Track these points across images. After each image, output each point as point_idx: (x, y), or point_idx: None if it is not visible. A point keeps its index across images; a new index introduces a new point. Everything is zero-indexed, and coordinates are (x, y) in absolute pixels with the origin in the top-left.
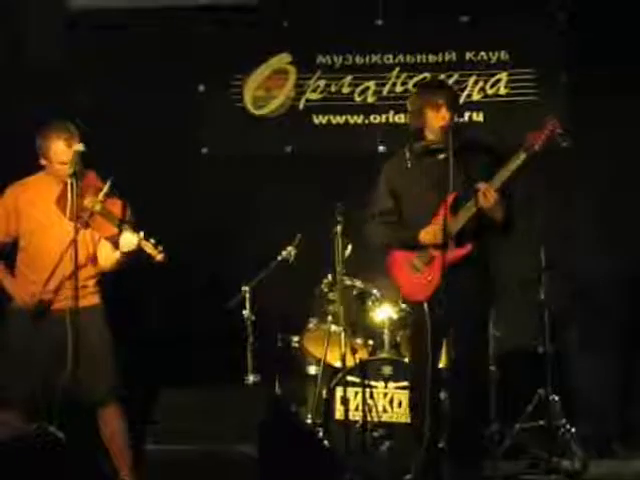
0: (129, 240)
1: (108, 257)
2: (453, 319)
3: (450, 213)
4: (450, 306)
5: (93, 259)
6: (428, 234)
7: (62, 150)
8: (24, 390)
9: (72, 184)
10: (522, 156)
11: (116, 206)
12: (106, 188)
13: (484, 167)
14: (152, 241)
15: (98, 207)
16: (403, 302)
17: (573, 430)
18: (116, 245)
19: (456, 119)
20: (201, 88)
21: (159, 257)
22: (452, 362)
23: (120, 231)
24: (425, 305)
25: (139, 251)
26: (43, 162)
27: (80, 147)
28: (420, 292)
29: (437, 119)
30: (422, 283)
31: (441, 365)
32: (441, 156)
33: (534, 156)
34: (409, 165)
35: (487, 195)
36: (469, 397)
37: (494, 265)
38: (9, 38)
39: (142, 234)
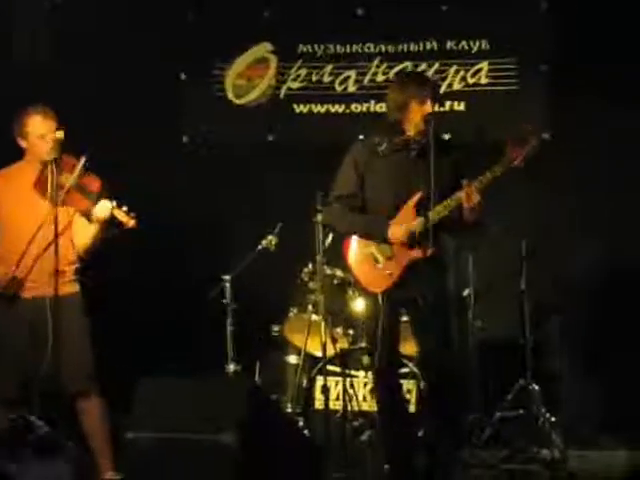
0: (103, 207)
1: (84, 233)
2: (416, 313)
3: (414, 212)
4: (408, 300)
5: (69, 239)
6: (398, 231)
7: (39, 123)
8: (7, 380)
9: (52, 169)
10: (501, 169)
11: (90, 181)
12: (81, 164)
13: (452, 168)
14: (124, 208)
15: (73, 182)
16: (354, 290)
17: (553, 419)
18: (90, 219)
19: (436, 109)
20: (182, 76)
21: (131, 223)
22: (421, 357)
23: (94, 201)
24: (379, 297)
25: (112, 218)
26: (21, 143)
27: (60, 134)
28: (377, 284)
29: (420, 113)
30: (381, 275)
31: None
32: (413, 153)
33: (512, 169)
34: (381, 155)
35: (470, 194)
36: (444, 388)
37: (478, 257)
38: None
39: (115, 202)
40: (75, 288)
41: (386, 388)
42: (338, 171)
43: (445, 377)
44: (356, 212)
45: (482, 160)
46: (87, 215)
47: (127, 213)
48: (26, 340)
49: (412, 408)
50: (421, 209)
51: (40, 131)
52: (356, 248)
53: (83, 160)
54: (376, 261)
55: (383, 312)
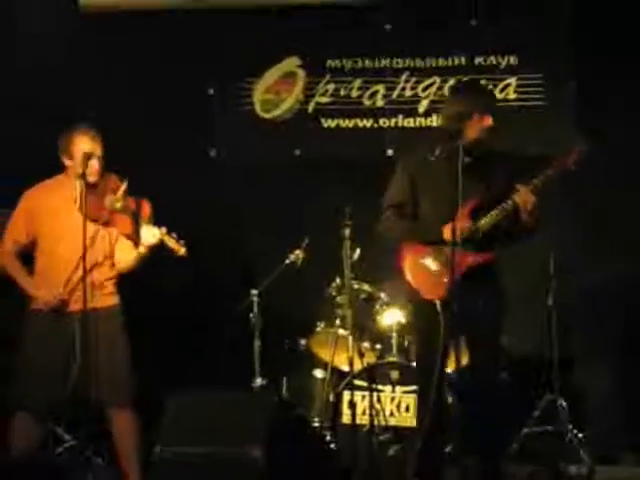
0: (151, 233)
1: (127, 256)
2: (469, 322)
3: (469, 218)
4: (468, 309)
5: (111, 259)
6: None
7: (86, 144)
8: (42, 395)
9: (94, 190)
10: (552, 172)
11: (140, 204)
12: (124, 186)
13: (505, 177)
14: (174, 235)
15: (118, 205)
16: (411, 300)
17: (580, 435)
18: (136, 242)
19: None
20: (210, 91)
21: (182, 251)
22: (469, 366)
23: (140, 226)
24: (438, 304)
25: (161, 245)
26: (66, 161)
27: (97, 150)
28: (434, 291)
29: (480, 124)
30: (437, 282)
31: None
32: (467, 160)
33: (561, 173)
34: (434, 162)
35: (525, 194)
36: (487, 401)
37: (503, 273)
38: (15, 37)
39: (164, 229)
40: (115, 301)
41: (437, 400)
42: (389, 182)
43: (490, 392)
44: (409, 219)
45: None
46: (132, 238)
47: (177, 241)
48: (63, 354)
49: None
50: (475, 216)
51: (87, 151)
52: (411, 257)
53: (125, 183)
54: (432, 269)
55: (442, 320)
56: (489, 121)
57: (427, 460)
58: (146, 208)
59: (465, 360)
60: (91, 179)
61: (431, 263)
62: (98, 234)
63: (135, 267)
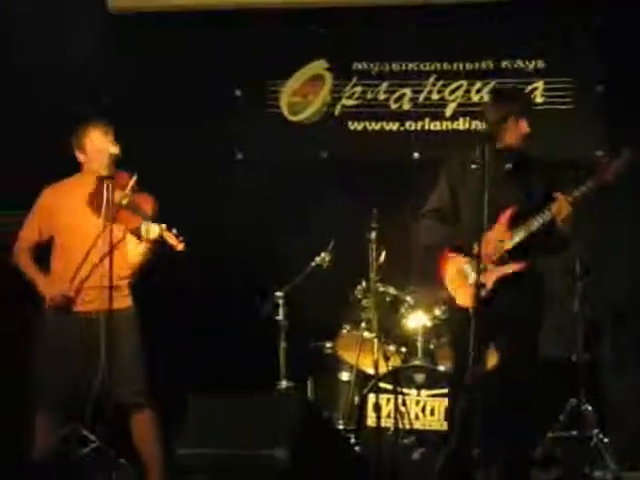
0: (152, 228)
1: (133, 251)
2: (503, 329)
3: (507, 227)
4: (501, 316)
5: (122, 255)
6: (490, 248)
7: (99, 139)
8: (61, 393)
9: (108, 186)
10: (593, 184)
11: (143, 200)
12: (132, 182)
13: (544, 184)
14: (174, 231)
15: (125, 201)
16: (447, 305)
17: (606, 440)
18: (140, 237)
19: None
20: (237, 93)
21: (180, 246)
22: (501, 369)
23: (148, 219)
24: (471, 312)
25: (161, 241)
26: (79, 157)
27: (115, 150)
28: (467, 298)
29: (517, 129)
30: (471, 290)
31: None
32: (508, 166)
33: (605, 185)
34: (474, 167)
35: (563, 205)
36: (518, 407)
37: None
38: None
39: (164, 225)
40: (128, 303)
41: (468, 405)
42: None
43: (519, 396)
44: (448, 225)
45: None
46: (137, 234)
47: (176, 236)
48: (80, 354)
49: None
50: (514, 223)
51: (99, 146)
52: (450, 263)
53: (134, 179)
54: (468, 276)
55: (474, 327)
56: (525, 127)
57: (456, 464)
58: (151, 204)
59: (492, 363)
60: (103, 173)
61: (469, 272)
62: (106, 231)
63: (141, 264)
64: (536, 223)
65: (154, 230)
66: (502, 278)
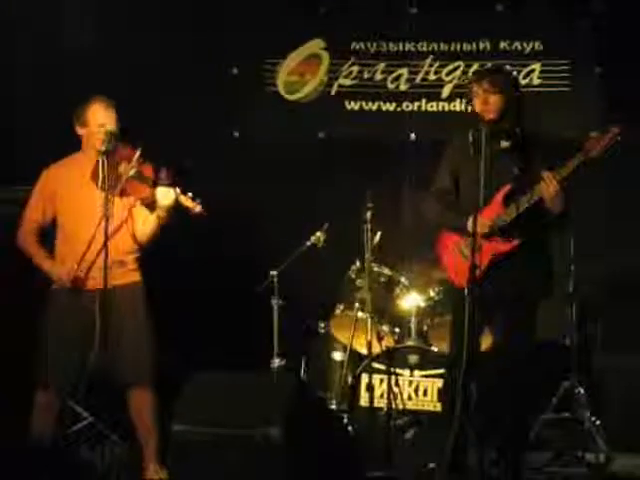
0: (167, 193)
1: (145, 222)
2: (499, 307)
3: (502, 205)
4: (498, 295)
5: (130, 232)
6: (482, 224)
7: (101, 113)
8: (64, 372)
9: (103, 161)
10: (579, 160)
11: (149, 169)
12: (138, 153)
13: (541, 162)
14: (189, 194)
15: (133, 172)
16: (446, 285)
17: (598, 423)
18: (153, 208)
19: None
20: (234, 71)
21: (197, 209)
22: (495, 349)
23: (156, 187)
24: (466, 290)
25: (177, 205)
26: (80, 131)
27: (113, 128)
28: (463, 277)
29: (487, 105)
30: (467, 268)
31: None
32: (505, 144)
33: (591, 160)
34: (472, 148)
35: (549, 184)
36: (514, 387)
37: None
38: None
39: (178, 189)
40: (137, 277)
41: (462, 385)
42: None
43: (516, 377)
44: (449, 206)
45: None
46: (148, 204)
47: (193, 199)
48: (84, 332)
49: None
50: (509, 201)
51: (100, 121)
52: (448, 243)
53: (139, 150)
54: (464, 255)
55: (467, 307)
56: (496, 100)
57: (454, 444)
58: (149, 169)
59: (486, 345)
60: (101, 148)
61: (463, 250)
62: (115, 204)
63: (152, 236)
64: (525, 202)
65: (169, 194)
66: (496, 258)
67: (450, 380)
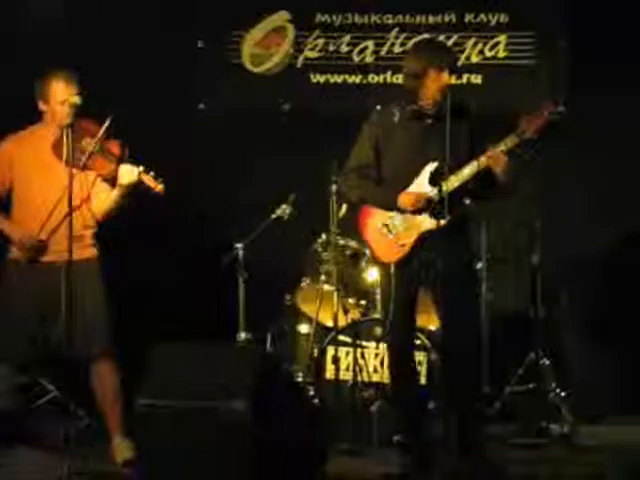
0: (129, 171)
1: (105, 199)
2: (437, 285)
3: (429, 182)
4: (433, 273)
5: (88, 205)
6: (408, 198)
7: (61, 89)
8: (17, 343)
9: (67, 133)
10: (515, 140)
11: (114, 146)
12: (103, 128)
13: (468, 136)
14: (151, 173)
15: (96, 146)
16: (367, 261)
17: (563, 394)
18: (114, 185)
19: (453, 81)
20: (199, 44)
21: (159, 187)
22: (442, 327)
23: (119, 165)
24: (392, 267)
25: (138, 184)
26: (42, 107)
27: (77, 99)
28: (389, 254)
29: (437, 82)
30: (394, 246)
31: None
32: (429, 121)
33: (527, 140)
34: (396, 124)
35: (497, 159)
36: (463, 361)
37: (491, 230)
38: None
39: (141, 167)
40: (93, 253)
41: (399, 359)
42: (355, 142)
43: (462, 348)
44: (371, 182)
45: (497, 132)
46: (109, 180)
47: (155, 178)
48: (40, 305)
49: (422, 380)
50: (435, 179)
51: (62, 97)
52: (371, 218)
53: (106, 125)
54: (389, 232)
55: (395, 283)
56: (445, 79)
57: (407, 414)
58: (121, 148)
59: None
60: (64, 122)
61: (389, 227)
62: (76, 178)
63: (112, 212)
64: (461, 177)
65: (132, 172)
66: (423, 236)
67: (390, 351)
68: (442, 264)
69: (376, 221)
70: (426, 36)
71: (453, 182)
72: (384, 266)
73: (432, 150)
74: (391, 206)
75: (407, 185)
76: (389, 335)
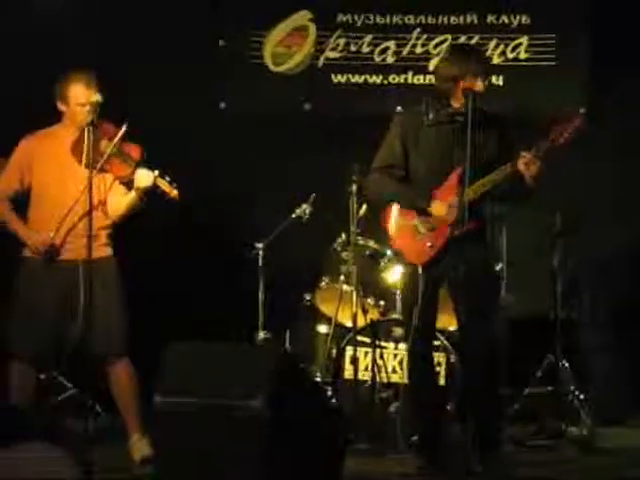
0: (145, 176)
1: (121, 201)
2: (459, 289)
3: (458, 185)
4: (455, 276)
5: (104, 207)
6: (441, 208)
7: (81, 92)
8: (34, 341)
9: (89, 131)
10: (547, 145)
11: (132, 149)
12: (122, 131)
13: (496, 143)
14: (167, 178)
15: (114, 149)
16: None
17: (582, 397)
18: (131, 188)
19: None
20: (221, 43)
21: (174, 193)
22: (462, 330)
23: (135, 170)
24: (420, 269)
25: (154, 188)
26: (61, 107)
27: (98, 97)
28: (417, 256)
29: (470, 87)
30: (421, 247)
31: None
32: (458, 126)
33: (558, 148)
34: (427, 126)
35: (530, 164)
36: (481, 365)
37: (510, 232)
38: None
39: (157, 172)
40: (108, 252)
41: (419, 359)
42: (382, 141)
43: (482, 350)
44: (396, 181)
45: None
46: (126, 183)
47: (170, 183)
48: (57, 303)
49: (442, 381)
50: (463, 182)
51: (82, 99)
52: (398, 218)
53: (124, 127)
54: (418, 233)
55: (422, 284)
56: (479, 86)
57: (425, 416)
58: (136, 150)
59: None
60: (84, 122)
61: (417, 228)
62: (94, 180)
63: (128, 214)
64: (492, 181)
65: (148, 177)
66: (452, 237)
67: (412, 356)
68: (465, 267)
69: (403, 221)
70: (447, 38)
71: (477, 188)
72: (410, 267)
73: (461, 154)
74: (416, 206)
75: (434, 186)
76: (411, 337)
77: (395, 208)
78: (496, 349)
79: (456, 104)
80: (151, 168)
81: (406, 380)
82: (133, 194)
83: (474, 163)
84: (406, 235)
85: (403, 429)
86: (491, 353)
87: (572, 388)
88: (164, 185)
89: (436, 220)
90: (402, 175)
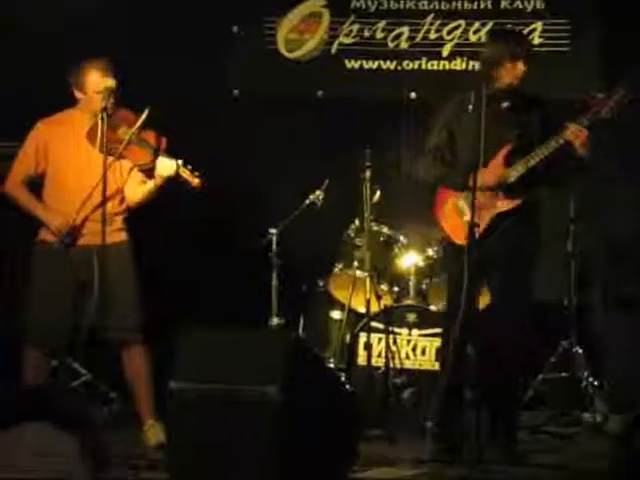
0: (168, 165)
1: (138, 189)
2: (495, 265)
3: (503, 165)
4: (494, 253)
5: (121, 193)
6: (490, 178)
7: (98, 80)
8: (48, 328)
9: (103, 118)
10: (591, 118)
11: (151, 136)
12: (142, 118)
13: (538, 125)
14: (189, 167)
15: (133, 136)
16: (443, 242)
17: (596, 383)
18: (149, 175)
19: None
20: (234, 29)
21: (196, 182)
22: (490, 309)
23: (156, 158)
24: (465, 249)
25: (176, 177)
26: (78, 95)
27: (112, 83)
28: (462, 235)
29: (513, 70)
30: (466, 226)
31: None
32: (505, 104)
33: (602, 122)
34: (471, 108)
35: (578, 131)
36: (507, 345)
37: None
38: None
39: (180, 161)
40: (123, 237)
41: (460, 343)
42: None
43: (503, 338)
44: (445, 164)
45: None
46: (146, 170)
47: (191, 172)
48: (72, 288)
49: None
50: (510, 161)
51: (99, 87)
52: (449, 201)
53: (144, 115)
54: (463, 213)
55: (467, 264)
56: (522, 67)
57: (448, 403)
58: (162, 141)
59: (484, 303)
60: (102, 104)
61: (464, 209)
62: (110, 167)
63: (145, 201)
64: (537, 157)
65: (171, 166)
66: (498, 216)
67: (447, 340)
68: (506, 249)
69: (448, 203)
70: (460, 24)
71: (530, 159)
72: (454, 247)
73: (507, 134)
74: (463, 187)
75: (480, 167)
76: (451, 319)
77: (444, 190)
78: (521, 337)
79: (499, 86)
80: (174, 157)
81: (427, 366)
82: (154, 182)
83: (518, 144)
84: (452, 216)
85: (416, 415)
86: (514, 340)
87: (586, 374)
88: (186, 174)
89: (481, 199)
90: (448, 157)
